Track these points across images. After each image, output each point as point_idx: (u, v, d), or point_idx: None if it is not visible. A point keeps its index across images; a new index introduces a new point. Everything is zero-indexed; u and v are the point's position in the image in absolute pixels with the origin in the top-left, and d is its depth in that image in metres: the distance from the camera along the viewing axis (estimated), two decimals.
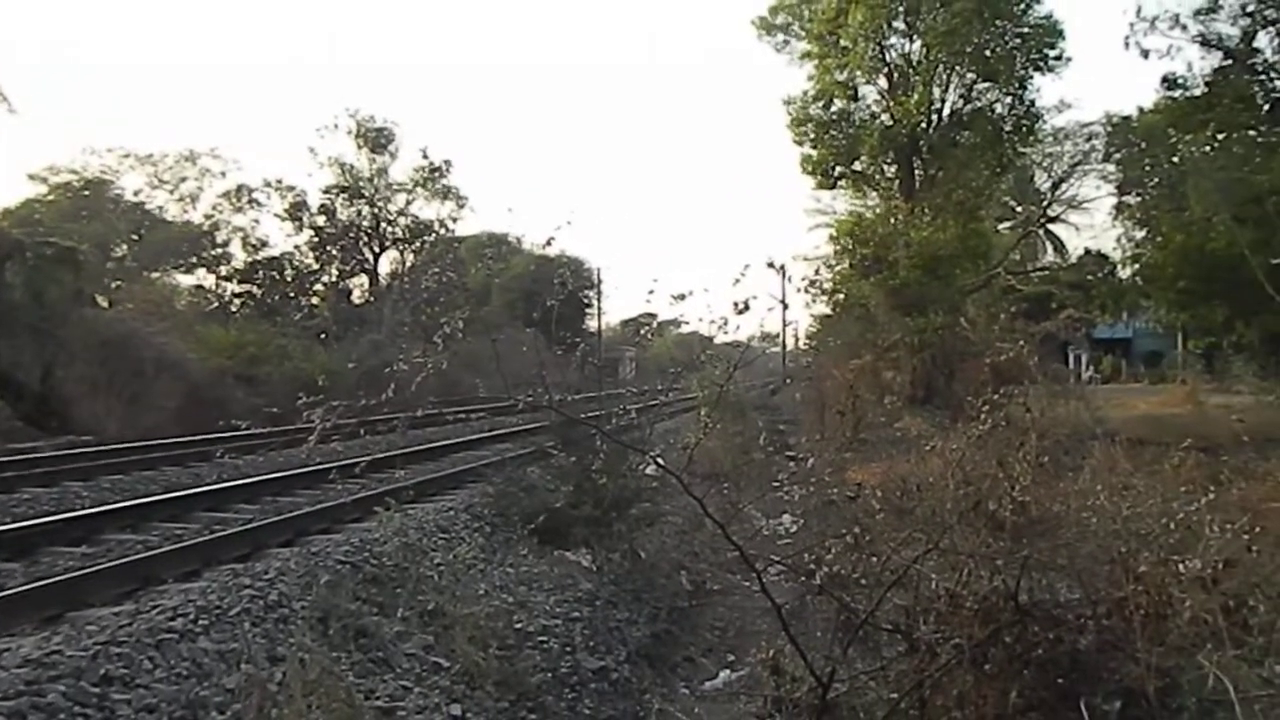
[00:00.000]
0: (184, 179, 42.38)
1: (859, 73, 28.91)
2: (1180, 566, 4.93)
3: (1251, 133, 25.12)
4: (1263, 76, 23.91)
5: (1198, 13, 23.07)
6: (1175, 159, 28.92)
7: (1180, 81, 24.57)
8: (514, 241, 51.14)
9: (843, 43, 28.46)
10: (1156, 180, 30.93)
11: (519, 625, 7.68)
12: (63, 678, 4.95)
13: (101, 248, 34.92)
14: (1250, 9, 22.89)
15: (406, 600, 7.34)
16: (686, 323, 40.81)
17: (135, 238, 39.90)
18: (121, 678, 5.14)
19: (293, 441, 15.14)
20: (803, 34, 30.02)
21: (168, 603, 6.30)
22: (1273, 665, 4.78)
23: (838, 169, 30.25)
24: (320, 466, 11.69)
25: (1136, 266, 34.03)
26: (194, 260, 42.28)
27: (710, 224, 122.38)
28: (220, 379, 26.03)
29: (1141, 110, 30.52)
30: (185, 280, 42.48)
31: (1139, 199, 32.81)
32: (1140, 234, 33.50)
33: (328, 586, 6.97)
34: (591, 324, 51.85)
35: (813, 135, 29.70)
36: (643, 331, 55.78)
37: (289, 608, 6.58)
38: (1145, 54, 23.62)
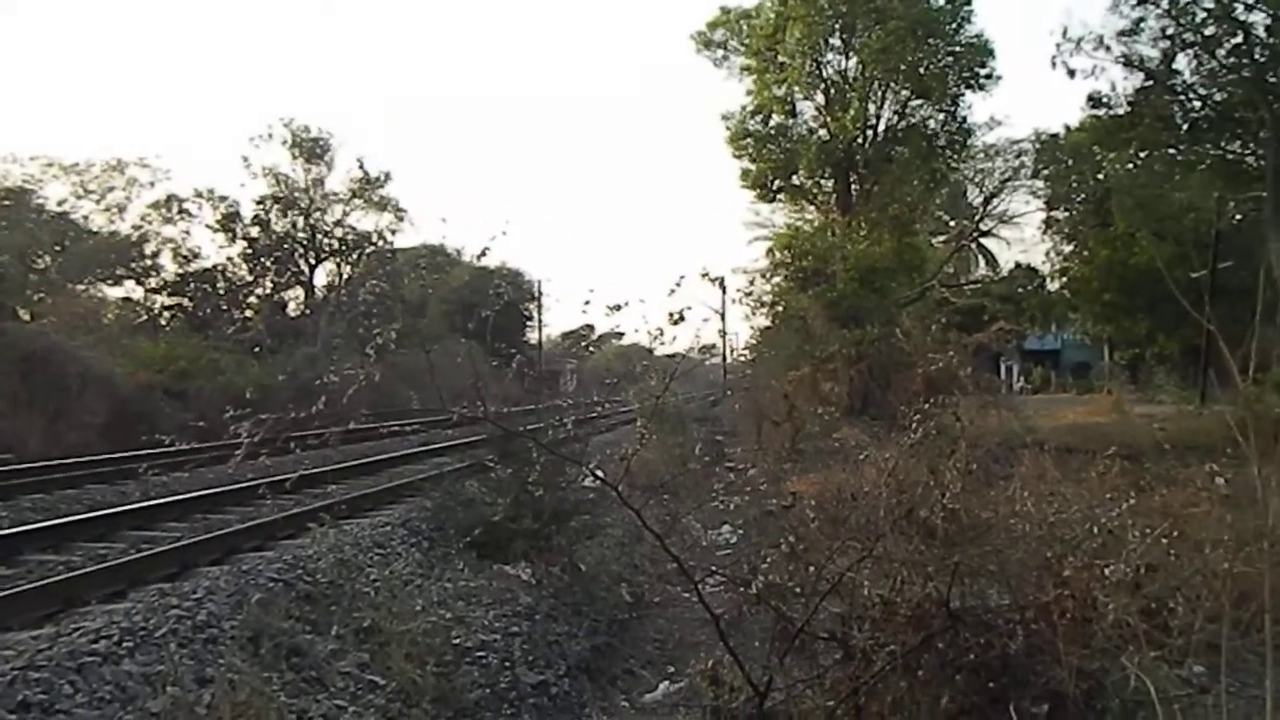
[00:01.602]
0: (111, 189, 41.20)
1: (797, 88, 29.40)
2: (1104, 571, 5.06)
3: (1171, 151, 26.06)
4: (1182, 97, 24.82)
5: (1121, 34, 23.88)
6: (1100, 176, 29.90)
7: (1105, 101, 25.41)
8: (452, 253, 50.77)
9: (780, 58, 28.92)
10: (1083, 196, 31.97)
11: (457, 641, 7.58)
12: None
13: (23, 259, 33.77)
14: (1170, 32, 23.76)
15: (341, 617, 7.21)
16: (623, 334, 40.91)
17: (59, 249, 38.68)
18: (40, 703, 4.97)
19: (223, 457, 14.76)
20: (741, 49, 30.46)
21: (90, 624, 6.10)
22: (1191, 666, 4.93)
23: (776, 183, 30.70)
24: (252, 483, 11.45)
25: (1064, 280, 35.10)
26: (121, 272, 41.15)
27: (652, 236, 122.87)
28: (148, 394, 25.34)
29: (1068, 128, 31.60)
30: (113, 293, 41.34)
31: (1067, 214, 33.87)
32: (1068, 248, 34.60)
33: (259, 605, 6.81)
34: (532, 336, 51.66)
35: (751, 149, 30.11)
36: (582, 343, 55.88)
37: (218, 627, 6.42)
38: (1072, 73, 24.36)
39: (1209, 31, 23.72)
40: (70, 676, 5.27)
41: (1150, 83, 24.63)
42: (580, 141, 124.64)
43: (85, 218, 40.68)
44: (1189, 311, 25.09)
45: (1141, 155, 26.54)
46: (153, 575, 7.94)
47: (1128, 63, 24.39)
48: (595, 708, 7.69)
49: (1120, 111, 25.31)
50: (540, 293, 48.41)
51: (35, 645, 5.65)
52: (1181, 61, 24.37)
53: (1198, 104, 24.94)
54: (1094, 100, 25.65)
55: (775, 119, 30.19)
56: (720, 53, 31.10)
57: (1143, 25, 23.81)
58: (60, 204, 39.89)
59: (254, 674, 5.77)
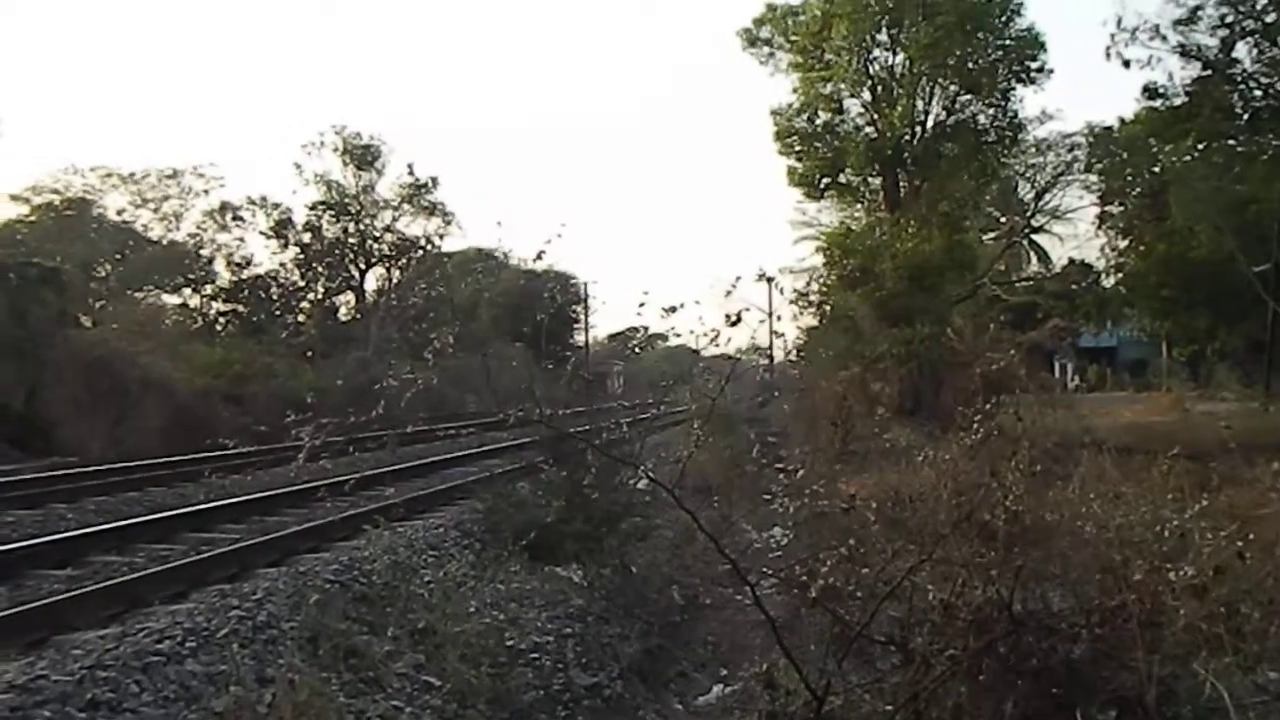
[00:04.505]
0: (167, 198, 42.24)
1: (843, 85, 29.07)
2: (1172, 574, 4.92)
3: (1231, 142, 25.38)
4: (1241, 86, 24.17)
5: (1177, 23, 23.32)
6: (1157, 169, 29.20)
7: (1161, 91, 24.84)
8: (501, 257, 51.19)
9: (827, 55, 28.63)
10: (1138, 190, 31.21)
11: (510, 642, 7.62)
12: (48, 703, 4.88)
13: (85, 268, 34.71)
14: (1229, 20, 23.16)
15: (397, 619, 7.27)
16: (679, 335, 40.63)
17: (119, 257, 39.69)
18: (108, 702, 5.07)
19: (280, 460, 15.04)
20: (787, 46, 30.18)
21: (154, 625, 6.23)
22: (1266, 671, 4.78)
23: (824, 181, 30.39)
24: (308, 485, 11.62)
25: (1120, 275, 34.32)
26: (179, 280, 42.10)
27: (696, 235, 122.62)
28: (206, 398, 25.87)
29: (1123, 120, 30.87)
30: (170, 300, 42.31)
31: (1121, 209, 33.10)
32: (1123, 243, 33.82)
33: (317, 606, 6.90)
34: (580, 338, 51.83)
35: (798, 147, 29.84)
36: (632, 345, 55.93)
37: (278, 628, 6.52)
38: (1127, 64, 23.86)
39: (1270, 19, 23.08)
40: (136, 676, 5.38)
41: (1209, 72, 24.02)
42: (623, 143, 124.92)
43: (144, 227, 41.75)
44: (1251, 306, 24.47)
45: (1200, 147, 25.84)
46: (213, 576, 8.08)
47: (1185, 52, 23.83)
48: (650, 710, 7.67)
49: (1177, 102, 24.72)
50: (588, 295, 48.55)
51: (102, 645, 5.79)
52: (1241, 50, 23.75)
53: (1258, 93, 24.27)
54: (1150, 91, 25.10)
55: (822, 116, 29.87)
56: (766, 50, 30.79)
57: (1200, 14, 23.25)
58: (119, 213, 41.01)
59: (313, 674, 5.84)
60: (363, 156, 44.29)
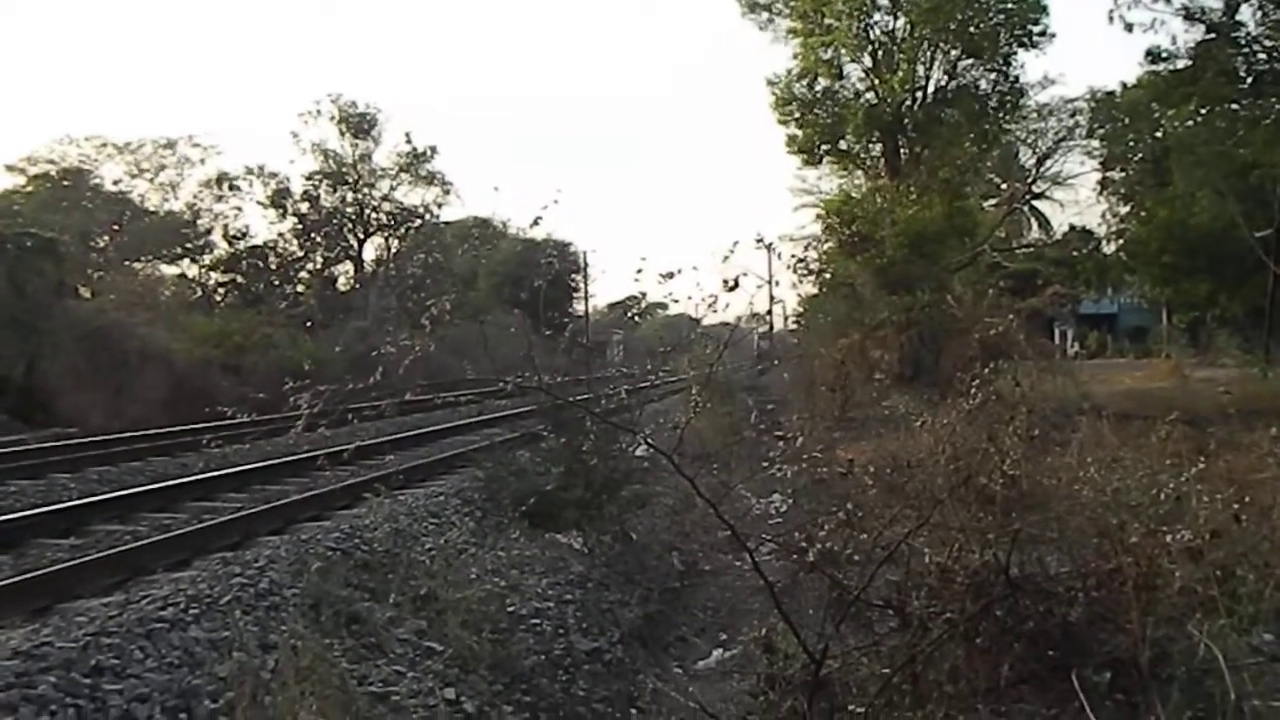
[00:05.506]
0: (163, 167, 41.99)
1: (843, 50, 28.77)
2: (1169, 538, 4.95)
3: (1234, 106, 25.13)
4: (1246, 49, 23.87)
5: None
6: (1159, 134, 28.95)
7: (1164, 55, 24.51)
8: (499, 225, 50.99)
9: (827, 20, 28.32)
10: (1140, 156, 30.98)
11: (511, 608, 7.68)
12: (53, 669, 4.92)
13: (82, 238, 34.60)
14: None
15: (398, 586, 7.32)
16: (676, 300, 40.51)
17: (116, 228, 39.53)
18: (113, 668, 5.11)
19: (280, 430, 14.93)
20: (787, 11, 29.85)
21: (158, 592, 6.26)
22: (1260, 633, 4.82)
23: (823, 148, 30.17)
24: (309, 454, 11.65)
25: (1121, 242, 34.15)
26: (177, 250, 41.95)
27: (696, 205, 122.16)
28: (205, 368, 25.89)
29: (1125, 85, 30.52)
30: (168, 270, 42.20)
31: (1123, 174, 32.88)
32: (1124, 209, 33.63)
33: (319, 573, 6.94)
34: (578, 307, 51.76)
35: (797, 114, 29.58)
36: (630, 313, 55.91)
37: (280, 595, 6.55)
38: (1129, 27, 23.54)
39: None
40: (140, 642, 5.41)
41: (1212, 35, 23.71)
42: (625, 114, 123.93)
43: (141, 197, 41.56)
44: (1252, 272, 24.38)
45: (1202, 111, 25.57)
46: (215, 545, 8.12)
47: (1188, 15, 23.51)
48: (649, 674, 7.74)
49: (1180, 66, 24.42)
50: (587, 263, 48.44)
51: (106, 612, 5.82)
52: (1245, 12, 23.43)
53: (1263, 56, 23.97)
54: (1152, 55, 24.77)
55: (822, 83, 29.59)
56: (766, 15, 30.47)
57: None
58: (115, 183, 40.78)
59: (315, 640, 5.89)
60: (359, 125, 44.02)
